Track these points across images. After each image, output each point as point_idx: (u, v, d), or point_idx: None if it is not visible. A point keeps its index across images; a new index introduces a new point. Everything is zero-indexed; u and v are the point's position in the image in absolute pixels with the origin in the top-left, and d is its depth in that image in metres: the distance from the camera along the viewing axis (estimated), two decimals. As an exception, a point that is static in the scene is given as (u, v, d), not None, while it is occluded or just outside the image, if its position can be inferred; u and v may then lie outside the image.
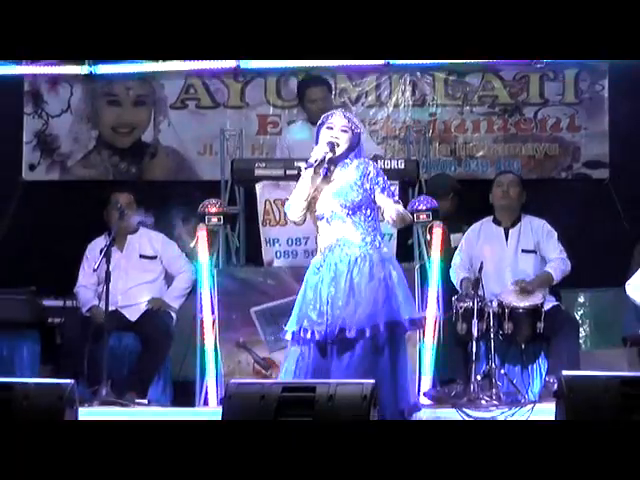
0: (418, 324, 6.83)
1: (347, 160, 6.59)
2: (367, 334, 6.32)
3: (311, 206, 6.57)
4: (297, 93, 9.59)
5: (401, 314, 6.42)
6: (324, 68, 10.35)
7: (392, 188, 6.70)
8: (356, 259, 6.43)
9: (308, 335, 6.38)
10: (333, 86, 10.14)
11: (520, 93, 10.96)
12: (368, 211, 6.52)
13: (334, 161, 6.54)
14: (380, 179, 6.54)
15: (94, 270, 8.54)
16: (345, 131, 6.56)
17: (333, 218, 6.49)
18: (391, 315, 6.38)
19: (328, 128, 6.56)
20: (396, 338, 6.45)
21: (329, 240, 6.50)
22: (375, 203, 6.53)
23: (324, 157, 6.46)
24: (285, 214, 7.22)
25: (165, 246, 9.01)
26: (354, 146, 6.64)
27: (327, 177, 6.52)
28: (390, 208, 6.49)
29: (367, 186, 6.48)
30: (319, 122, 6.68)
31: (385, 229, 7.58)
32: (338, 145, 6.52)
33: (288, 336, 6.54)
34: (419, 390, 7.74)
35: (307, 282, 6.56)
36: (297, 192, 6.57)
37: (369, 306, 6.36)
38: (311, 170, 6.48)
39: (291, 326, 6.51)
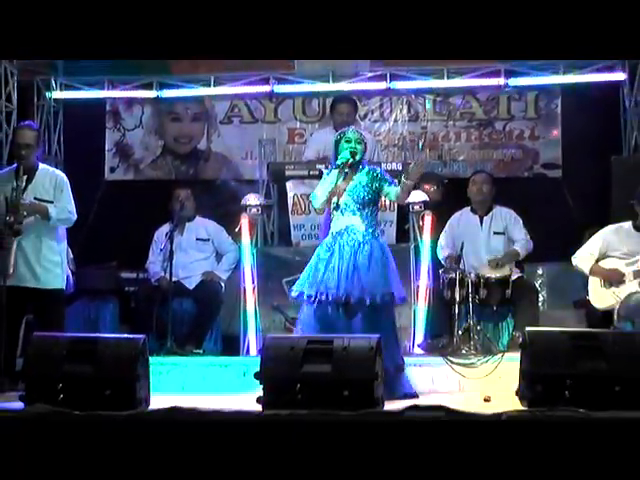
0: (402, 300, 6.81)
1: (360, 166, 6.65)
2: (366, 302, 6.33)
3: (330, 199, 6.58)
4: (330, 106, 9.49)
5: (394, 290, 6.45)
6: (340, 92, 10.33)
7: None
8: (360, 243, 6.48)
9: (323, 297, 6.40)
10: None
11: (492, 111, 10.96)
12: (373, 208, 6.64)
13: (353, 166, 6.56)
14: (386, 176, 6.67)
15: (161, 250, 8.59)
16: (360, 143, 6.63)
17: (346, 210, 6.53)
18: (385, 289, 6.41)
19: (347, 142, 6.62)
20: (389, 309, 6.48)
21: (340, 226, 6.55)
22: (377, 202, 6.69)
23: (348, 161, 6.53)
24: (309, 202, 7.28)
25: (216, 231, 8.99)
26: (364, 152, 6.75)
27: (346, 178, 6.54)
28: (398, 190, 6.59)
29: (375, 185, 6.57)
30: (336, 138, 6.76)
31: (387, 217, 7.60)
32: (356, 154, 6.59)
33: (300, 296, 6.55)
34: (414, 342, 7.74)
35: (318, 256, 6.59)
36: (323, 187, 6.60)
37: (367, 281, 6.38)
38: (336, 171, 6.57)
39: (304, 288, 6.51)
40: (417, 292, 7.88)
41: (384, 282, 6.43)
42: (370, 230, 6.56)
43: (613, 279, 7.47)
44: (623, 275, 7.43)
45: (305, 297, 6.53)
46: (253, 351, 7.92)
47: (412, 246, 8.08)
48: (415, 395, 6.41)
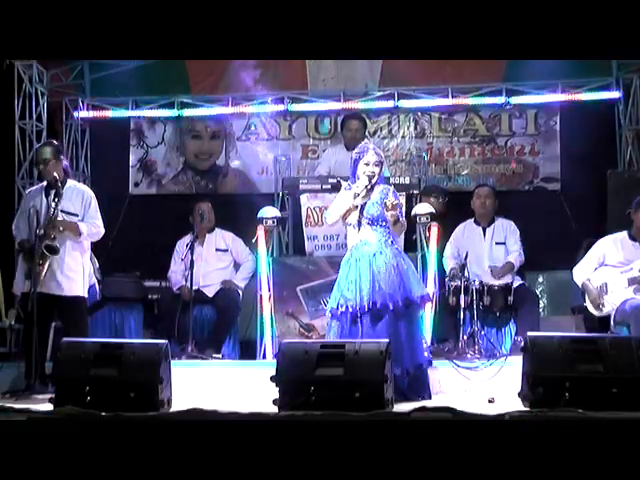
0: (427, 299, 6.85)
1: (376, 184, 6.64)
2: (390, 307, 6.34)
3: (344, 218, 6.65)
4: (341, 124, 9.51)
5: (413, 293, 6.45)
6: (350, 111, 10.35)
7: (400, 199, 6.74)
8: (374, 254, 6.48)
9: (343, 309, 6.40)
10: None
11: (494, 127, 10.95)
12: (383, 222, 6.59)
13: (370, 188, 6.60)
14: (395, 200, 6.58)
15: (182, 260, 8.56)
16: (377, 165, 6.62)
17: (358, 226, 6.53)
18: (405, 294, 6.43)
19: (365, 164, 6.59)
20: (410, 311, 6.49)
21: (355, 241, 6.56)
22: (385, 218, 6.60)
23: (366, 188, 6.52)
24: (324, 217, 7.26)
25: (234, 241, 8.98)
26: (381, 172, 6.73)
27: (363, 197, 6.53)
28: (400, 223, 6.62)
29: (384, 202, 6.50)
30: (355, 157, 6.70)
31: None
32: (374, 177, 6.58)
33: (328, 313, 6.59)
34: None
35: (341, 272, 6.62)
36: (337, 207, 6.61)
37: (388, 287, 6.40)
38: (352, 195, 6.55)
39: (331, 304, 6.55)
40: (432, 299, 7.84)
41: (403, 287, 6.46)
42: (382, 240, 6.56)
43: (592, 300, 7.51)
44: (602, 300, 7.44)
45: (328, 311, 6.58)
46: (269, 355, 7.90)
47: (419, 255, 8.06)
48: (429, 396, 6.44)
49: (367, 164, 6.59)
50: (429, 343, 7.72)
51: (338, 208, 6.63)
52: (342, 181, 6.97)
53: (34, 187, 7.88)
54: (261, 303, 8.10)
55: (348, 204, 6.56)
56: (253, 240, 8.32)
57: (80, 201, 7.38)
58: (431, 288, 7.85)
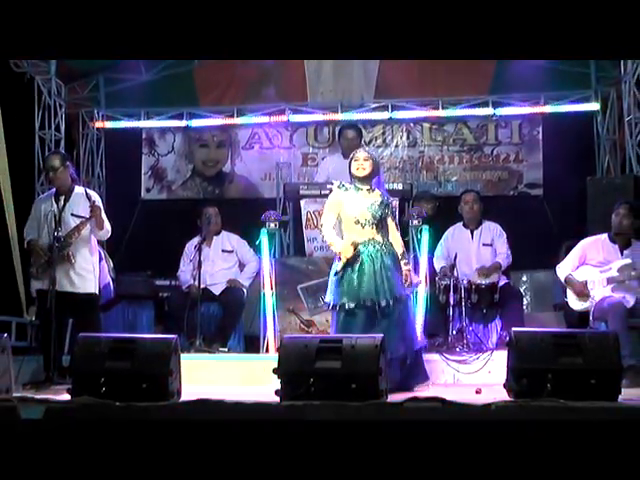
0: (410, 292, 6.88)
1: (374, 187, 6.63)
2: (382, 304, 6.33)
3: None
4: (338, 133, 9.50)
5: (401, 292, 6.44)
6: (348, 121, 10.37)
7: (395, 203, 6.74)
8: (381, 253, 6.46)
9: (346, 307, 6.38)
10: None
11: (481, 137, 11.00)
12: (385, 224, 6.59)
13: (364, 179, 6.60)
14: (394, 211, 6.72)
15: (190, 260, 8.57)
16: (367, 160, 6.58)
17: (366, 224, 6.50)
18: (398, 291, 6.40)
19: (355, 160, 6.60)
20: (400, 306, 6.45)
21: (362, 239, 6.51)
22: (385, 221, 6.61)
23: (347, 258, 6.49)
24: (320, 225, 7.18)
25: (239, 243, 8.98)
26: (376, 171, 6.68)
27: (362, 192, 6.57)
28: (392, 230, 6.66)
29: (385, 209, 6.56)
30: (349, 160, 6.71)
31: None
32: (364, 169, 6.57)
33: (330, 307, 6.56)
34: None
35: (339, 268, 6.54)
36: (329, 238, 6.62)
37: (381, 287, 6.39)
38: (337, 247, 6.54)
39: (331, 299, 6.51)
40: (416, 297, 7.86)
41: (396, 287, 6.44)
42: (385, 241, 6.56)
43: (579, 292, 7.47)
44: (587, 290, 7.42)
45: (330, 307, 6.54)
46: (272, 349, 7.91)
47: (411, 256, 8.06)
48: (428, 380, 6.53)
49: (356, 160, 6.60)
50: (420, 338, 7.73)
51: (329, 239, 6.62)
52: (334, 181, 6.95)
53: (44, 194, 7.88)
54: (264, 300, 8.11)
55: (335, 248, 6.57)
56: (257, 242, 8.34)
57: (87, 204, 7.35)
58: (422, 287, 7.87)
